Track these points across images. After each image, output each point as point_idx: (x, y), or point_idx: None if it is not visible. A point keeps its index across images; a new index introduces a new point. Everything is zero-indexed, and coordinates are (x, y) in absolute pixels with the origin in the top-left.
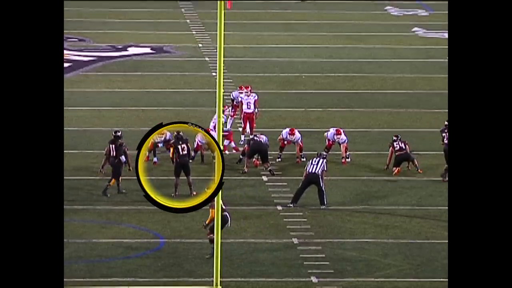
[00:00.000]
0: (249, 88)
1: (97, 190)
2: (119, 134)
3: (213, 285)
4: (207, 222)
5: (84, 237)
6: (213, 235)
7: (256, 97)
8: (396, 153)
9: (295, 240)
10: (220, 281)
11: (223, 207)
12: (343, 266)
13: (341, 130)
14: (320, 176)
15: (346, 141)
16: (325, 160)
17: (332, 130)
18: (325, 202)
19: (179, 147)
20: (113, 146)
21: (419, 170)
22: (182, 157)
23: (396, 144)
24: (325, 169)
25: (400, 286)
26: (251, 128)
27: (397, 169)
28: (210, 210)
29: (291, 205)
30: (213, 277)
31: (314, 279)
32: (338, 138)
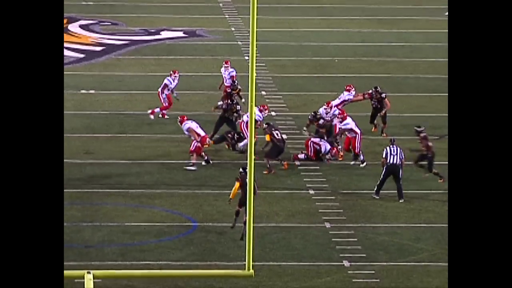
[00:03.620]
0: (228, 63)
1: (129, 174)
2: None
3: (245, 269)
4: (231, 197)
5: (117, 220)
6: (241, 208)
7: (234, 72)
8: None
9: (327, 225)
10: (252, 265)
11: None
12: (375, 250)
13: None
14: (400, 167)
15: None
16: (400, 148)
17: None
18: (403, 196)
19: (274, 132)
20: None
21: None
22: (280, 142)
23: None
24: (403, 157)
25: (432, 270)
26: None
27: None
28: (236, 182)
29: (376, 197)
30: (245, 260)
31: (346, 263)
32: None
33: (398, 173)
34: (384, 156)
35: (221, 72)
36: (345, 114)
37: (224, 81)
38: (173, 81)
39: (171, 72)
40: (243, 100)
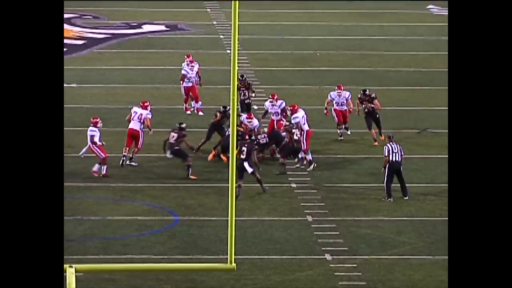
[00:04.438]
0: (190, 57)
1: (111, 168)
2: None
3: (227, 263)
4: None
5: (98, 214)
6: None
7: (197, 67)
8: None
9: (309, 218)
10: (235, 258)
11: None
12: (357, 243)
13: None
14: (401, 164)
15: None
16: (399, 145)
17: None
18: (408, 193)
19: (293, 130)
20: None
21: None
22: (296, 142)
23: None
24: (403, 153)
25: (414, 264)
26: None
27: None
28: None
29: (390, 199)
30: (227, 254)
31: (328, 257)
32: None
33: (400, 170)
34: (386, 154)
35: (182, 66)
36: (296, 107)
37: (188, 76)
38: (191, 70)
39: (186, 59)
40: (253, 94)
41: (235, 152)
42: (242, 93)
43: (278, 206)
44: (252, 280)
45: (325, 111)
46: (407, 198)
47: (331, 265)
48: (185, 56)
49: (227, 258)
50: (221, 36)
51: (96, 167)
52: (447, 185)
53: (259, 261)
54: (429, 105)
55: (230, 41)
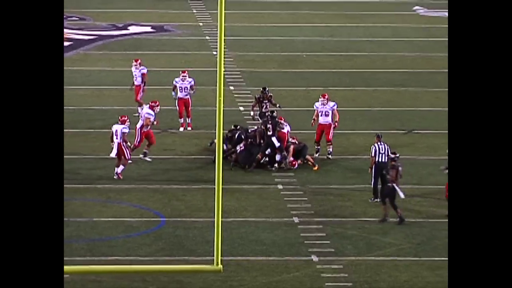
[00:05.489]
0: (186, 73)
1: (97, 169)
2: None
3: (213, 264)
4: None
5: (85, 216)
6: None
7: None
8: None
9: (296, 219)
10: (221, 259)
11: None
12: (343, 245)
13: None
14: (388, 165)
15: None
16: (387, 145)
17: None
18: (378, 196)
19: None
20: None
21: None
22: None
23: None
24: (389, 154)
25: (400, 265)
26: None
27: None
28: None
29: (376, 200)
30: (213, 255)
31: (314, 258)
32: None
33: (385, 173)
34: (373, 154)
35: (132, 71)
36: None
37: (135, 79)
38: (182, 81)
39: (180, 72)
40: (278, 105)
41: (221, 152)
42: (265, 106)
43: (264, 207)
44: (238, 282)
45: (312, 122)
46: (377, 200)
47: (317, 266)
48: (134, 60)
49: (213, 259)
50: (207, 37)
51: (120, 169)
52: (433, 186)
53: (246, 262)
54: (415, 106)
55: (217, 42)
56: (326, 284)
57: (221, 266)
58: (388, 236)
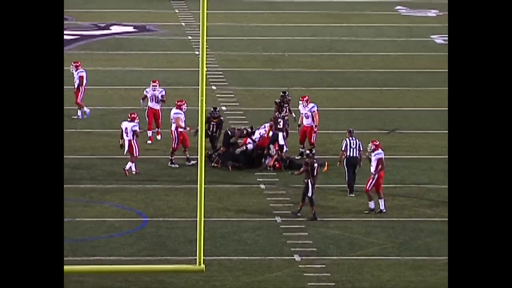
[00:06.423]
0: (157, 83)
1: (79, 169)
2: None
3: (196, 264)
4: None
5: (67, 215)
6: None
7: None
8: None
9: (278, 219)
10: (203, 259)
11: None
12: (326, 244)
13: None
14: (359, 160)
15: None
16: (358, 140)
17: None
18: (353, 190)
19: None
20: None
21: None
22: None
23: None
24: (362, 149)
25: (383, 264)
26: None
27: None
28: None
29: (352, 195)
30: (196, 255)
31: (297, 258)
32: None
33: (355, 166)
34: (343, 148)
35: (72, 75)
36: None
37: (74, 81)
38: (153, 90)
39: (151, 82)
40: (293, 114)
41: (203, 152)
42: (285, 110)
43: (247, 207)
44: (221, 281)
45: (297, 127)
46: (352, 195)
47: (300, 266)
48: (72, 62)
49: (196, 259)
50: (190, 37)
51: (128, 166)
52: (415, 185)
53: (228, 262)
54: (398, 105)
55: (199, 42)
56: (309, 283)
57: (204, 266)
58: (370, 236)
